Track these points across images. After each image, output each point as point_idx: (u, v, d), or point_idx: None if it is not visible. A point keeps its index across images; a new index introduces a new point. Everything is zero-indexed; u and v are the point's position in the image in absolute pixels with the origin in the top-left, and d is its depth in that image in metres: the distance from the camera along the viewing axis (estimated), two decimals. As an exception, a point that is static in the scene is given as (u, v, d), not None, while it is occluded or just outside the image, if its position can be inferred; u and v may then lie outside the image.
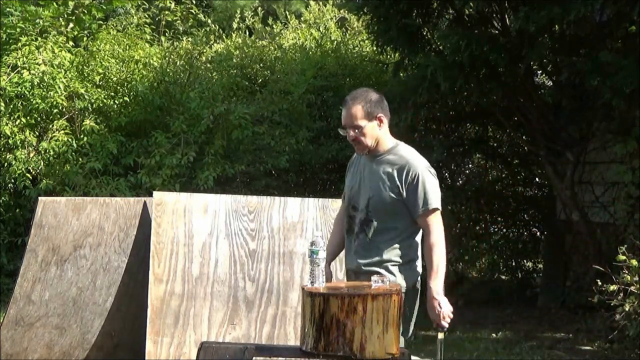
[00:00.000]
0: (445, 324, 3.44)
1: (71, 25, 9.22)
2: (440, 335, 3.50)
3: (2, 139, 8.11)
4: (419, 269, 3.70)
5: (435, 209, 3.58)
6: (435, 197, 3.59)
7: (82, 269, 4.71)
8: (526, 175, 9.75)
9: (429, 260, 3.52)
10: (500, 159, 9.69)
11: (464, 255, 9.25)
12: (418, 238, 3.70)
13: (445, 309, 3.43)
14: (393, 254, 3.62)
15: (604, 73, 6.06)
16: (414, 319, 3.68)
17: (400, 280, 3.55)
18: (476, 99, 7.79)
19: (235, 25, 11.14)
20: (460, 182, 9.71)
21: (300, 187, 9.35)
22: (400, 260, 3.62)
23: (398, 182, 3.59)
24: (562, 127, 7.85)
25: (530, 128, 8.10)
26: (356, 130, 3.62)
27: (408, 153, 3.68)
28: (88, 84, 8.52)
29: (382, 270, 3.54)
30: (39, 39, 8.70)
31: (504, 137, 9.72)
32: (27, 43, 8.51)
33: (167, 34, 10.11)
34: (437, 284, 3.46)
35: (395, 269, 3.60)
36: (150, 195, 5.05)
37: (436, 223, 3.58)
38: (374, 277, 3.26)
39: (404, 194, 3.58)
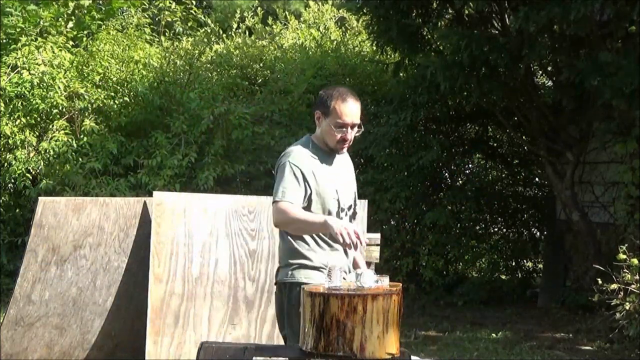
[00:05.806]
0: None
1: (71, 25, 9.22)
2: None
3: (2, 139, 8.11)
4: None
5: None
6: None
7: (82, 269, 4.71)
8: (526, 175, 9.74)
9: None
10: (500, 159, 9.69)
11: (464, 255, 9.24)
12: None
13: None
14: None
15: (604, 73, 6.05)
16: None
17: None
18: (476, 99, 7.79)
19: (234, 25, 11.13)
20: (460, 182, 9.69)
21: (300, 187, 9.33)
22: None
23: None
24: (562, 127, 7.84)
25: (530, 128, 8.10)
26: (354, 129, 3.37)
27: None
28: (88, 84, 8.52)
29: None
30: (39, 39, 8.69)
31: (504, 137, 9.71)
32: (27, 43, 8.51)
33: (167, 34, 10.11)
34: None
35: None
36: (151, 195, 5.05)
37: None
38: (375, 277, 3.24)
39: None
